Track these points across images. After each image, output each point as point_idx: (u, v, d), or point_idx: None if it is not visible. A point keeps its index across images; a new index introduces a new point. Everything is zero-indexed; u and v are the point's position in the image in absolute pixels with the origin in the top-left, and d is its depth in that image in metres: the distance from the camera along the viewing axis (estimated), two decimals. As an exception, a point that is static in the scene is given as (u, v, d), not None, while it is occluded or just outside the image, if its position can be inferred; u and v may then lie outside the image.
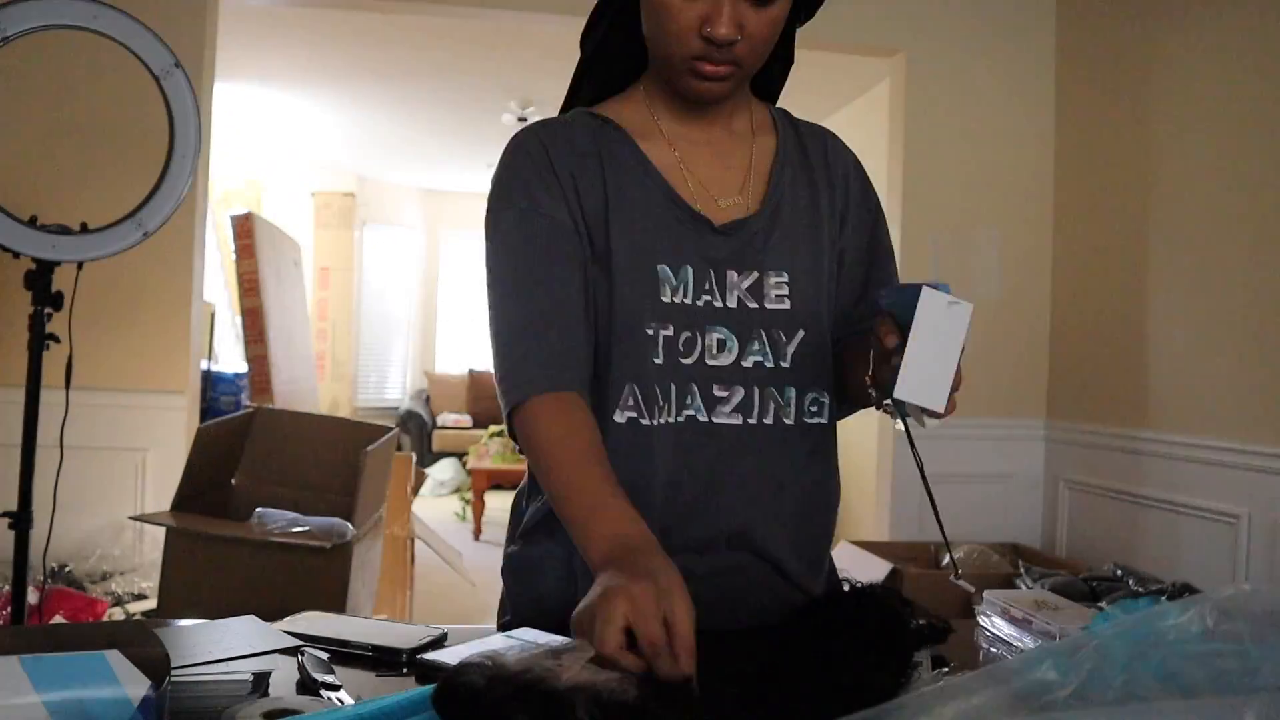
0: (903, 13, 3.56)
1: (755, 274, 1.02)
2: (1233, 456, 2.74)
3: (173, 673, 0.79)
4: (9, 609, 2.23)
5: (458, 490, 7.32)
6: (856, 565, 3.29)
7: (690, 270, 1.00)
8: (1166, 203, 3.06)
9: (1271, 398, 2.63)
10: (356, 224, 7.69)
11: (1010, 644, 1.15)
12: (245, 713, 0.74)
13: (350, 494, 2.41)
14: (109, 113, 3.04)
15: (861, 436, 4.70)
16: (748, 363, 1.01)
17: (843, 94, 4.90)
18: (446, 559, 4.26)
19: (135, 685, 0.67)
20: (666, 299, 0.99)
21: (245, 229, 4.37)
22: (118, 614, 2.79)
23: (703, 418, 1.00)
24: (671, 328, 0.99)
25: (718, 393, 1.00)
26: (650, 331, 0.99)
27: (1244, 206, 2.75)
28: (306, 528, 2.29)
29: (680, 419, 1.00)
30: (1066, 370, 3.56)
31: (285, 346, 4.54)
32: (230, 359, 5.98)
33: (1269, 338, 2.65)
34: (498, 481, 6.48)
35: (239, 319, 4.74)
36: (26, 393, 2.09)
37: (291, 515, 2.35)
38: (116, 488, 3.09)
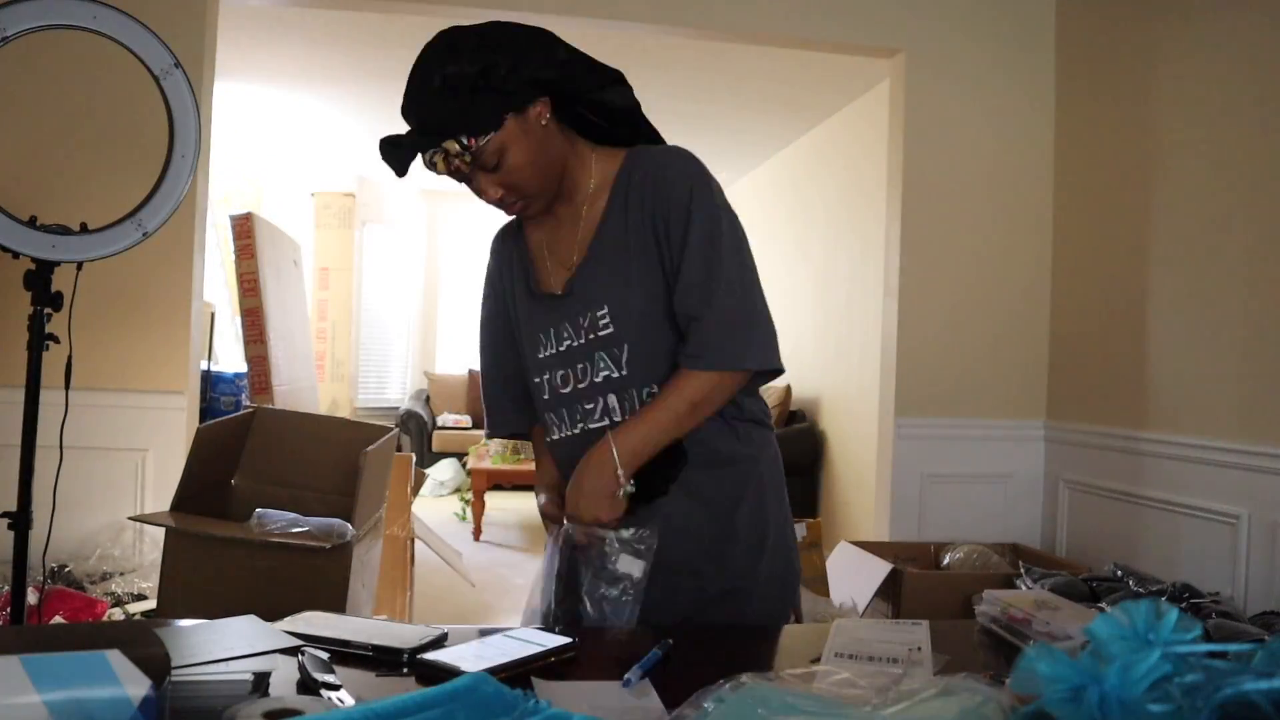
0: (903, 13, 3.56)
1: (588, 314, 1.30)
2: (1232, 457, 2.74)
3: (173, 672, 0.79)
4: (9, 609, 2.23)
5: (458, 490, 7.31)
6: (856, 565, 3.29)
7: (552, 330, 1.34)
8: (1166, 203, 3.06)
9: (1271, 398, 2.63)
10: (356, 224, 7.69)
11: (1010, 644, 1.15)
12: (246, 712, 0.74)
13: (350, 494, 2.41)
14: (109, 113, 3.04)
15: (862, 439, 4.70)
16: (599, 379, 1.30)
17: (843, 94, 4.90)
18: (446, 559, 4.26)
19: (136, 685, 0.67)
20: (541, 355, 1.36)
21: (245, 229, 4.37)
22: (117, 614, 2.79)
23: (584, 427, 1.32)
24: (548, 373, 1.35)
25: (586, 406, 1.32)
26: (536, 380, 1.38)
27: (1244, 206, 2.75)
28: (306, 528, 2.29)
29: (575, 431, 1.34)
30: (1066, 371, 3.56)
31: (285, 347, 4.54)
32: (230, 359, 5.98)
33: (1269, 338, 2.65)
34: (497, 482, 6.48)
35: (239, 319, 4.74)
36: (26, 393, 2.09)
37: (291, 516, 2.34)
38: (116, 488, 3.09)
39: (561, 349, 1.33)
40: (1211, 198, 2.88)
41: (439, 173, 1.24)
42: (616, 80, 1.32)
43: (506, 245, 1.45)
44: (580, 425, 1.33)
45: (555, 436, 1.37)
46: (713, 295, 1.24)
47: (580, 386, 1.32)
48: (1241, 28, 2.78)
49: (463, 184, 1.28)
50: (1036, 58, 3.65)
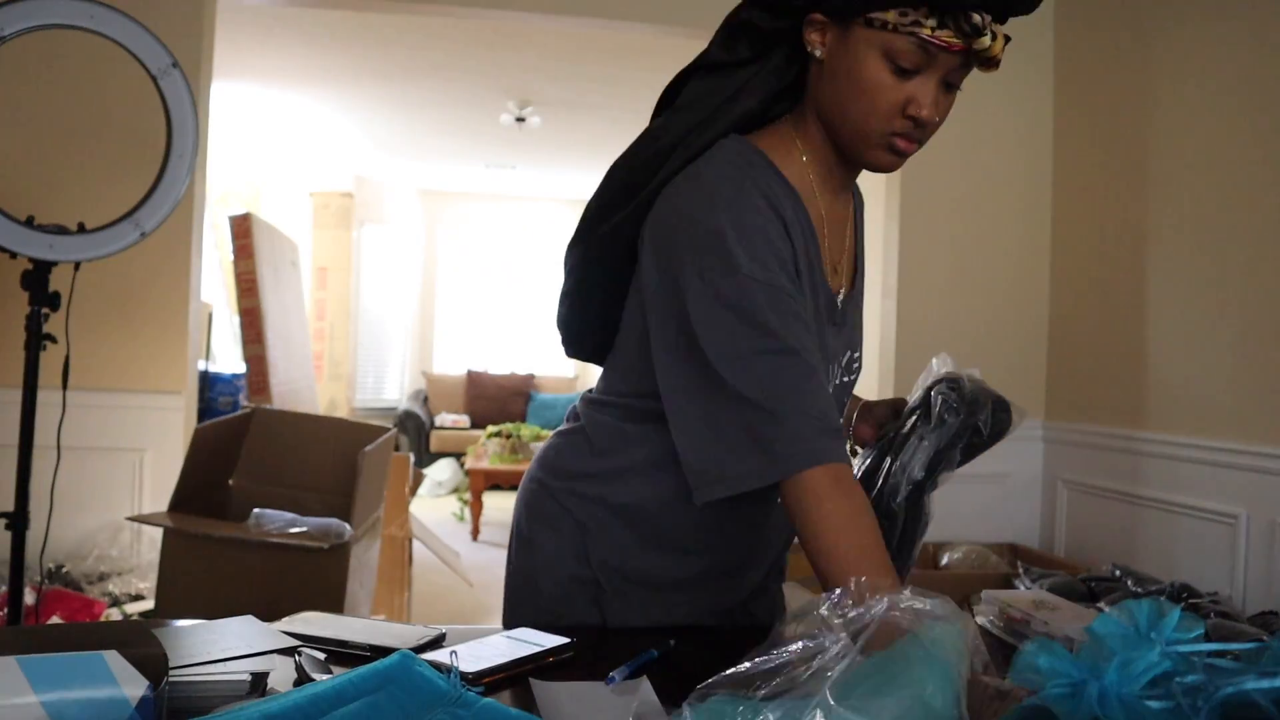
0: (901, 13, 3.56)
1: (850, 353, 1.14)
2: (1231, 457, 2.74)
3: (170, 673, 0.79)
4: (6, 610, 2.22)
5: (456, 491, 7.31)
6: (855, 565, 3.29)
7: (831, 350, 1.09)
8: (1165, 202, 3.06)
9: (1270, 398, 2.64)
10: (355, 224, 7.68)
11: (1009, 644, 1.15)
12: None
13: (348, 494, 2.41)
14: (106, 113, 3.04)
15: (860, 437, 4.70)
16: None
17: (841, 94, 4.89)
18: (444, 559, 4.26)
19: (133, 685, 0.67)
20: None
21: (243, 229, 4.37)
22: (115, 615, 2.79)
23: None
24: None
25: None
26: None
27: (1243, 206, 2.75)
28: (304, 528, 2.29)
29: None
30: (1065, 370, 3.57)
31: (283, 347, 4.54)
32: (228, 359, 5.98)
33: (1268, 338, 2.65)
34: (495, 482, 6.48)
35: (237, 319, 4.74)
36: (23, 393, 2.09)
37: (289, 516, 2.34)
38: (114, 488, 3.08)
39: (835, 382, 1.12)
40: (1210, 197, 2.88)
41: (975, 45, 0.95)
42: None
43: (785, 204, 1.01)
44: None
45: None
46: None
47: None
48: (1240, 29, 2.78)
49: (897, 65, 0.95)
50: (1035, 58, 3.65)
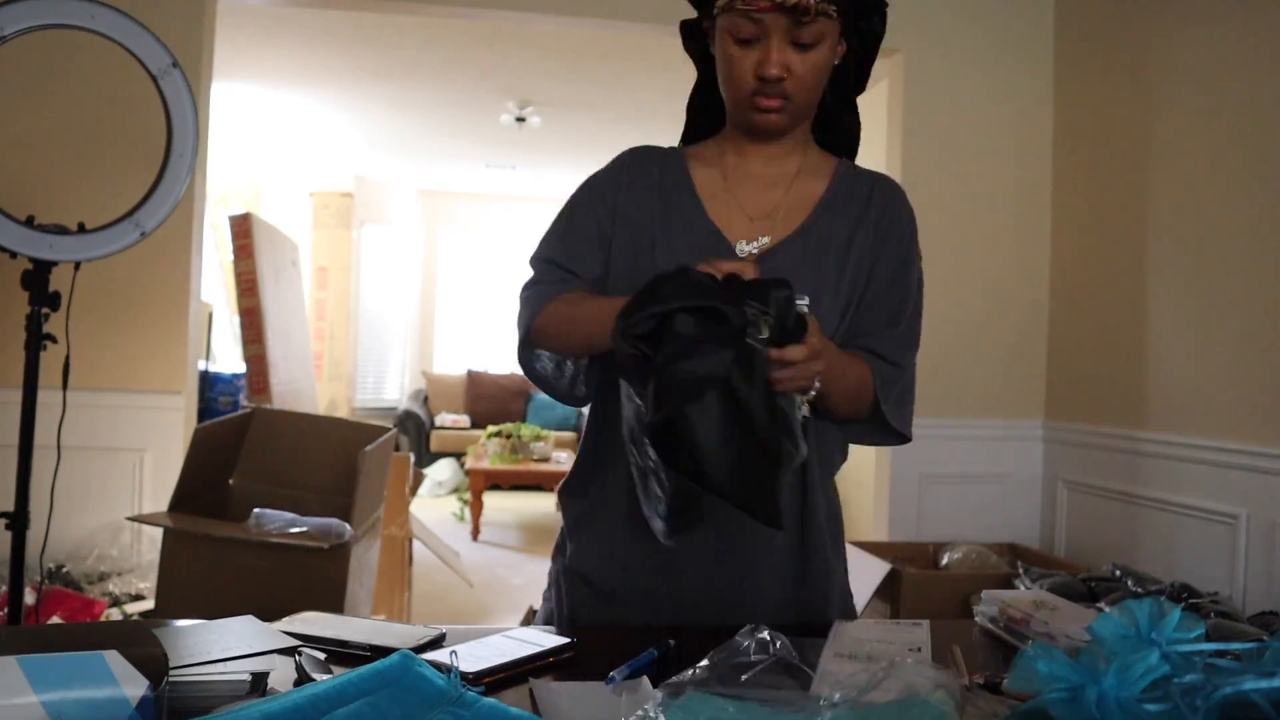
0: (901, 13, 3.53)
1: None
2: (1231, 457, 2.74)
3: (171, 673, 0.79)
4: (6, 610, 2.22)
5: (456, 490, 7.31)
6: (855, 565, 3.28)
7: None
8: (1165, 202, 3.06)
9: (1270, 398, 2.64)
10: (355, 224, 7.68)
11: (1009, 644, 1.15)
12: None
13: (348, 494, 2.41)
14: (106, 113, 3.04)
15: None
16: None
17: (841, 94, 4.89)
18: (444, 559, 4.26)
19: (133, 685, 0.67)
20: None
21: (243, 229, 4.37)
22: (115, 615, 2.79)
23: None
24: None
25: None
26: None
27: (1242, 206, 2.75)
28: (304, 528, 2.29)
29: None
30: (1065, 370, 3.56)
31: (283, 347, 4.54)
32: (228, 359, 5.98)
33: (1268, 338, 2.65)
34: (496, 482, 6.48)
35: (237, 319, 4.74)
36: (23, 393, 2.08)
37: (289, 516, 2.34)
38: (114, 488, 3.08)
39: None
40: (1210, 199, 2.88)
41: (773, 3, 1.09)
42: (858, 94, 1.29)
43: (652, 167, 1.26)
44: None
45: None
46: (906, 348, 1.21)
47: None
48: (1239, 30, 2.78)
49: (738, 34, 1.13)
50: (1035, 58, 3.65)
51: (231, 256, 4.38)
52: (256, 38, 4.51)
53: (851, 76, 1.25)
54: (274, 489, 2.64)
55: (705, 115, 1.30)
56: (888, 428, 1.22)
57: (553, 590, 1.32)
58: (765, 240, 1.20)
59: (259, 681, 0.86)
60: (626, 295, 0.99)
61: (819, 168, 1.26)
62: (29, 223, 2.05)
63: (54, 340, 2.10)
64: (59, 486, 2.17)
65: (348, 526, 2.31)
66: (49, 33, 2.07)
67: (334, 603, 2.23)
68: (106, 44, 2.07)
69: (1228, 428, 2.76)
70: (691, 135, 1.33)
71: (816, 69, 1.15)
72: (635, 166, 1.26)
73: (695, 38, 1.24)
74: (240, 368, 4.44)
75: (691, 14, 1.23)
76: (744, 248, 1.19)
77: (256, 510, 2.34)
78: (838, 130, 1.30)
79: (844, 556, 1.33)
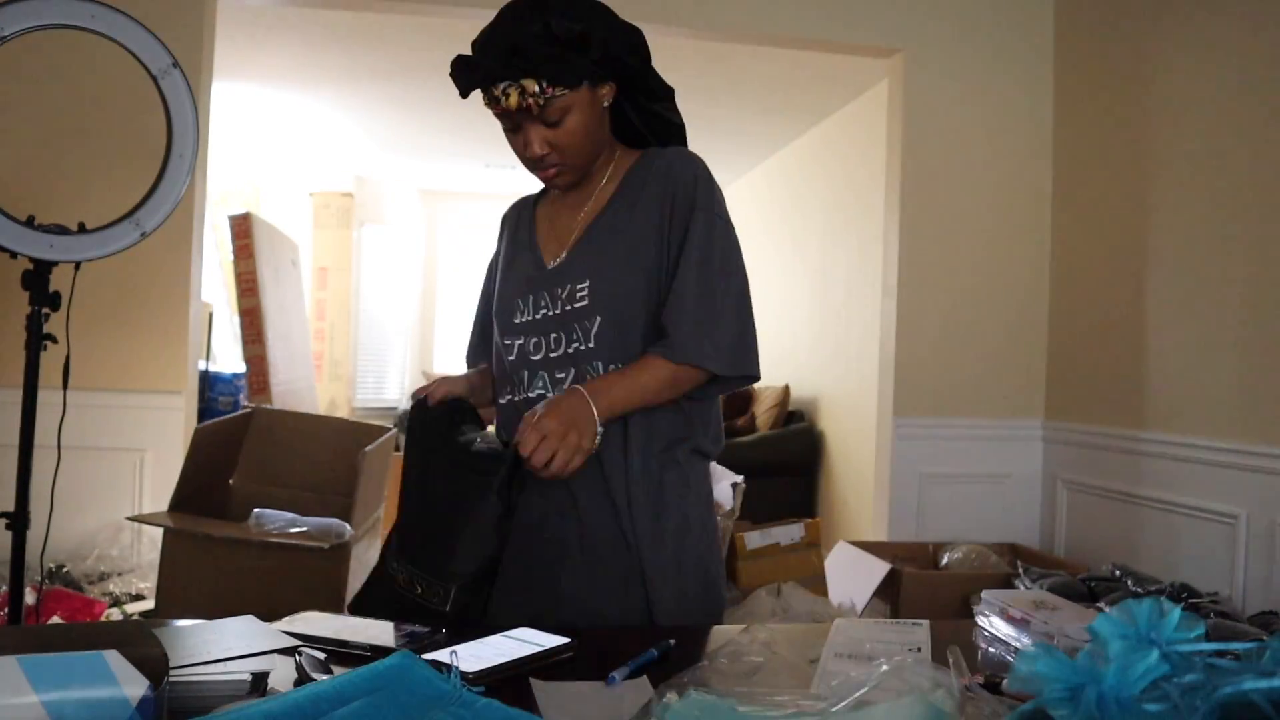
0: (902, 13, 3.56)
1: (568, 285, 1.35)
2: (1231, 457, 2.74)
3: (171, 673, 0.79)
4: (6, 610, 2.22)
5: (456, 490, 7.30)
6: (854, 565, 3.29)
7: (532, 297, 1.38)
8: (1164, 203, 3.06)
9: (1270, 398, 2.64)
10: (355, 224, 7.68)
11: (1008, 644, 1.15)
12: None
13: (348, 494, 2.41)
14: (107, 113, 3.04)
15: (860, 439, 4.70)
16: (570, 349, 1.33)
17: (842, 94, 4.90)
18: (445, 559, 4.25)
19: (134, 685, 0.67)
20: (518, 320, 1.39)
21: (243, 229, 4.37)
22: (115, 615, 2.79)
23: (549, 393, 1.34)
24: (522, 337, 1.38)
25: (557, 375, 1.35)
26: (508, 343, 1.40)
27: (1242, 206, 2.75)
28: (304, 528, 2.29)
29: (533, 395, 1.36)
30: (1065, 370, 3.57)
31: (283, 347, 4.54)
32: (228, 359, 5.98)
33: (1267, 338, 2.65)
34: (496, 482, 6.47)
35: (237, 319, 4.74)
36: (24, 393, 2.08)
37: (289, 516, 2.34)
38: (114, 488, 3.09)
39: (538, 316, 1.37)
40: (1209, 197, 2.88)
41: (502, 105, 1.26)
42: (667, 96, 1.41)
43: (514, 215, 1.52)
44: (543, 392, 1.35)
45: (512, 398, 1.39)
46: (704, 294, 1.29)
47: (553, 355, 1.35)
48: (1238, 29, 2.79)
49: (504, 126, 1.32)
50: (1035, 58, 3.65)
51: (232, 256, 4.38)
52: (256, 38, 4.51)
53: (641, 95, 1.37)
54: (274, 489, 2.64)
55: None
56: (725, 380, 1.32)
57: None
58: (564, 254, 1.37)
59: (259, 681, 0.86)
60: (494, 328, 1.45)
61: (619, 172, 1.40)
62: (29, 223, 2.05)
63: (54, 340, 2.10)
64: (59, 486, 2.16)
65: (347, 526, 2.31)
66: (49, 33, 2.07)
67: (334, 603, 2.23)
68: (106, 44, 2.07)
69: (1228, 428, 2.76)
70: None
71: (573, 135, 1.30)
72: (507, 219, 1.53)
73: None
74: (240, 368, 4.44)
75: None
76: (552, 264, 1.37)
77: (256, 510, 2.34)
78: (662, 138, 1.42)
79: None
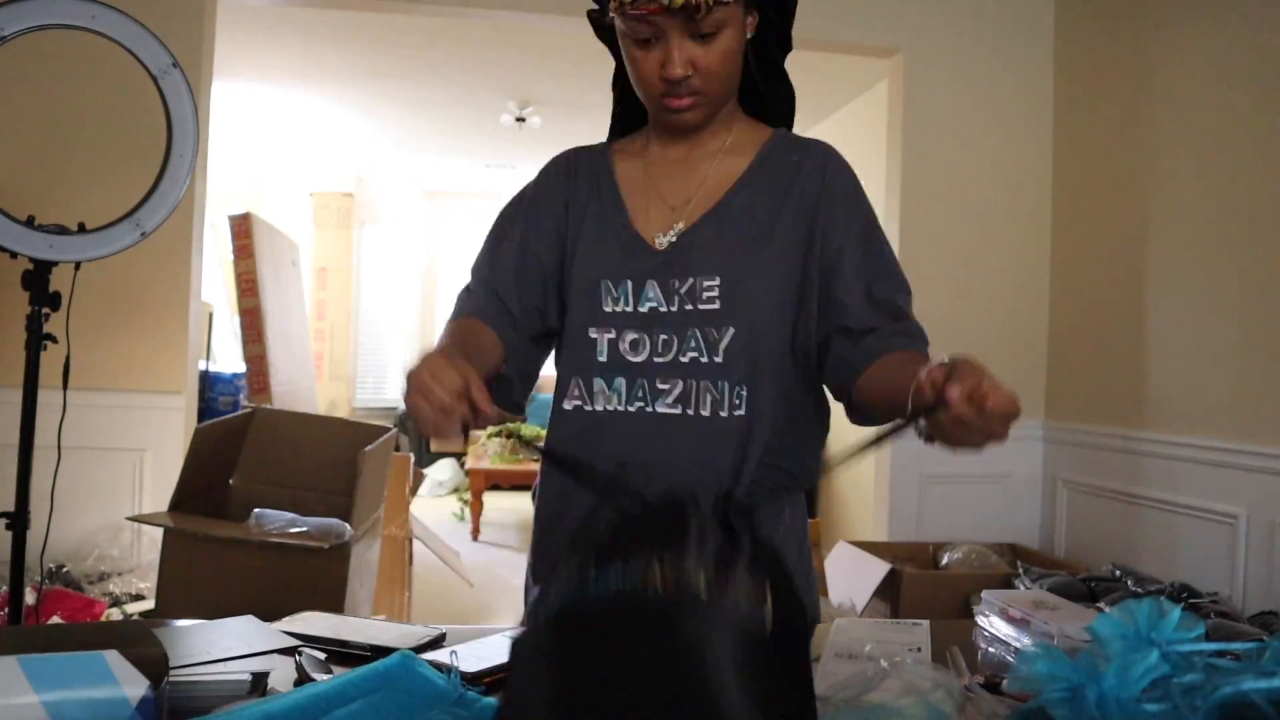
0: (902, 13, 3.56)
1: (691, 279, 1.13)
2: (1231, 457, 2.74)
3: (171, 673, 0.79)
4: (6, 610, 2.22)
5: (456, 491, 7.31)
6: (854, 565, 3.29)
7: (631, 283, 1.15)
8: (1164, 203, 3.06)
9: (1270, 398, 2.64)
10: (355, 224, 7.68)
11: (1008, 644, 1.15)
12: None
13: (348, 494, 2.41)
14: (107, 113, 3.04)
15: (860, 438, 4.71)
16: (685, 359, 1.12)
17: (842, 94, 4.90)
18: (444, 559, 4.26)
19: (134, 685, 0.67)
20: (608, 309, 1.15)
21: (243, 229, 4.37)
22: (116, 615, 2.79)
23: (648, 409, 1.12)
24: (614, 331, 1.15)
25: (660, 386, 1.12)
26: (593, 335, 1.16)
27: (1241, 206, 2.75)
28: (304, 528, 2.29)
29: (630, 409, 1.13)
30: (1065, 370, 3.56)
31: (283, 347, 4.54)
32: (228, 359, 5.98)
33: (1267, 338, 2.65)
34: (496, 482, 6.48)
35: (237, 319, 4.74)
36: (24, 393, 2.08)
37: (289, 516, 2.34)
38: (114, 488, 3.08)
39: (643, 310, 1.14)
40: (1209, 197, 2.88)
41: (664, 1, 1.05)
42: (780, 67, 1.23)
43: (582, 168, 1.25)
44: (641, 405, 1.13)
45: (595, 408, 1.15)
46: (899, 291, 1.14)
47: (659, 360, 1.13)
48: (1238, 29, 2.78)
49: (633, 40, 1.10)
50: (1035, 58, 3.65)
51: (232, 256, 4.38)
52: (256, 37, 4.51)
53: (773, 43, 1.18)
54: (274, 489, 2.64)
55: (632, 96, 1.21)
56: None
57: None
58: (681, 225, 1.16)
59: (259, 681, 0.86)
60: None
61: (746, 143, 1.20)
62: (29, 223, 2.05)
63: (54, 340, 2.10)
64: (59, 486, 2.16)
65: (347, 526, 2.31)
66: (49, 33, 2.07)
67: (334, 603, 2.22)
68: (106, 44, 2.07)
69: (1228, 428, 2.76)
70: (622, 116, 1.29)
71: (723, 57, 1.11)
72: (562, 172, 1.25)
73: (605, 27, 1.19)
74: (240, 368, 4.44)
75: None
76: (661, 240, 1.15)
77: (256, 510, 2.34)
78: (771, 99, 1.23)
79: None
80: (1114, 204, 3.30)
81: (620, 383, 1.14)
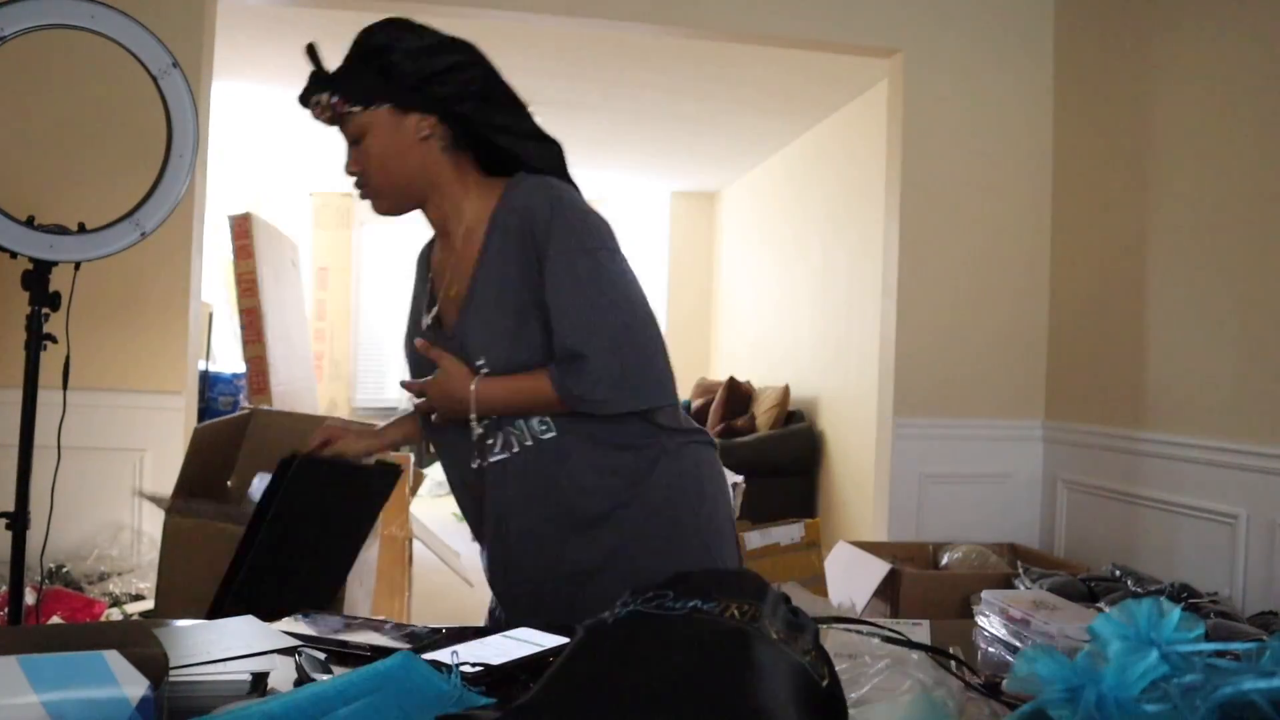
0: (902, 13, 3.56)
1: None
2: (1230, 457, 2.74)
3: (171, 673, 0.79)
4: (6, 610, 2.22)
5: (456, 490, 7.31)
6: (854, 565, 3.29)
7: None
8: (1164, 203, 3.06)
9: (1270, 398, 2.64)
10: (355, 224, 7.68)
11: (1008, 644, 1.15)
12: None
13: (348, 494, 2.40)
14: (107, 112, 3.04)
15: (860, 439, 4.71)
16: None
17: (842, 94, 4.90)
18: (444, 559, 4.26)
19: (133, 685, 0.67)
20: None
21: (243, 229, 4.37)
22: (115, 615, 2.79)
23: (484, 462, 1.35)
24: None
25: (488, 442, 1.33)
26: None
27: (1241, 206, 2.75)
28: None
29: (484, 464, 1.35)
30: (1065, 370, 3.56)
31: (283, 347, 4.54)
32: (228, 359, 5.97)
33: (1267, 338, 2.65)
34: (496, 482, 6.47)
35: (237, 319, 4.73)
36: (24, 393, 2.08)
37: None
38: (114, 488, 3.08)
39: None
40: (1209, 197, 2.88)
41: (314, 116, 1.32)
42: (532, 135, 1.36)
43: (423, 255, 1.50)
44: (481, 460, 1.35)
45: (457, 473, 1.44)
46: (586, 339, 1.26)
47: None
48: (1238, 30, 2.78)
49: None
50: (1035, 57, 3.65)
51: (231, 256, 4.38)
52: (256, 38, 4.51)
53: (476, 124, 1.32)
54: (274, 489, 2.63)
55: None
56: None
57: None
58: (456, 320, 1.35)
59: (259, 681, 0.86)
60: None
61: (480, 218, 1.34)
62: (29, 223, 2.05)
63: (54, 340, 2.10)
64: (59, 486, 2.16)
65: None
66: (49, 33, 2.07)
67: (334, 603, 2.22)
68: (106, 44, 2.07)
69: (1226, 427, 2.76)
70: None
71: (376, 156, 1.30)
72: (420, 259, 1.51)
73: None
74: (240, 368, 4.44)
75: None
76: (448, 328, 1.37)
77: (250, 491, 2.35)
78: (533, 159, 1.36)
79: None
80: (1114, 204, 3.30)
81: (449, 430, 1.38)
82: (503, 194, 1.34)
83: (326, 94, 1.27)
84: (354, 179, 1.34)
